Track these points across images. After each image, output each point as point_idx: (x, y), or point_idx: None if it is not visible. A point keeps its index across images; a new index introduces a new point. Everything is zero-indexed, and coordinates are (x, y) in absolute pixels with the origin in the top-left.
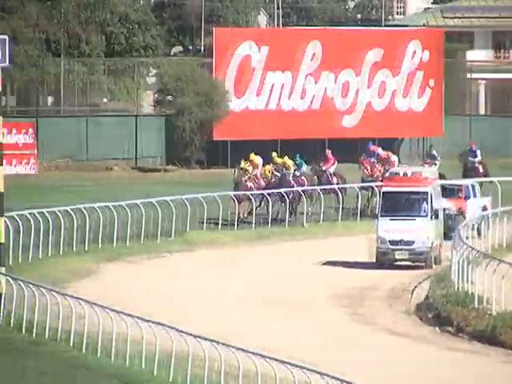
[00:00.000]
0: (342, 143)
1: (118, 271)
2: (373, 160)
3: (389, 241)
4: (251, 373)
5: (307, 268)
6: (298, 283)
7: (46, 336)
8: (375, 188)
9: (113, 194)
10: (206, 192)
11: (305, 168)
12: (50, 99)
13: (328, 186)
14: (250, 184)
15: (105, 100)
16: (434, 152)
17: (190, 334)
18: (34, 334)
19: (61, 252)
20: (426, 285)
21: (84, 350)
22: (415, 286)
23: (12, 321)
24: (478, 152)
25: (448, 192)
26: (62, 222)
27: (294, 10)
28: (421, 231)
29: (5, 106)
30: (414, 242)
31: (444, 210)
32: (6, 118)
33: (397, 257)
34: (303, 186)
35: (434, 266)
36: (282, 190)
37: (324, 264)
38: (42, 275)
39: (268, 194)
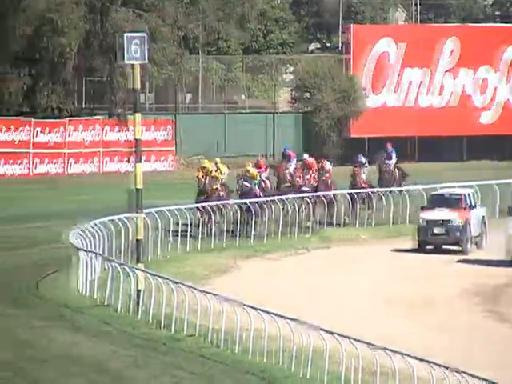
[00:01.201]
0: (480, 140)
1: (256, 268)
2: (291, 166)
3: None
4: (388, 370)
5: (441, 266)
6: (431, 281)
7: (184, 332)
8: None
9: None
10: (342, 189)
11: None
12: (188, 96)
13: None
14: (222, 193)
15: (242, 97)
16: (362, 158)
17: (327, 331)
18: (171, 330)
19: (199, 248)
20: None
21: (221, 347)
22: None
23: (150, 317)
24: (394, 154)
25: (448, 201)
26: (200, 218)
27: (431, 6)
28: None
29: (143, 103)
30: None
31: (448, 221)
32: (144, 115)
33: None
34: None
35: None
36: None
37: (458, 262)
38: (179, 272)
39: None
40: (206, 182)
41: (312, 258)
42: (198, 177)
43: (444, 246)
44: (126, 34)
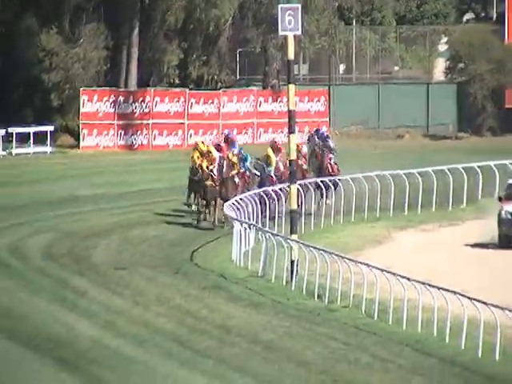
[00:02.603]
0: None
1: (410, 239)
2: (235, 151)
3: None
4: None
5: None
6: None
7: (338, 303)
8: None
9: (403, 162)
10: (498, 160)
11: (248, 163)
12: (341, 67)
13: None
14: (237, 180)
15: (396, 68)
16: (331, 142)
17: (481, 301)
18: (325, 301)
19: (352, 219)
20: None
21: (375, 317)
22: None
23: (304, 287)
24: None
25: None
26: (354, 189)
27: None
28: None
29: (297, 74)
30: None
31: None
32: (298, 86)
33: None
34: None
35: None
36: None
37: None
38: (333, 242)
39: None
40: (224, 168)
41: (467, 229)
42: (200, 165)
43: None
44: (280, 6)
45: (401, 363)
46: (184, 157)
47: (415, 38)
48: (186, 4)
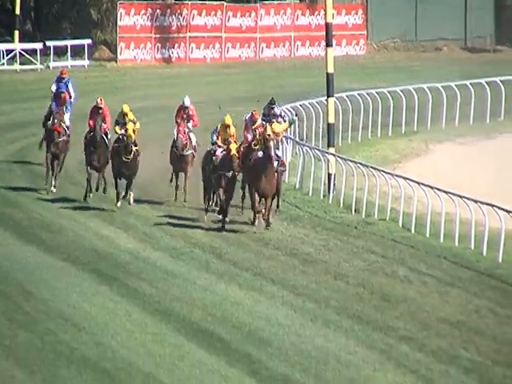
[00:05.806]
0: None
1: (447, 152)
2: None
3: None
4: None
5: None
6: None
7: (375, 216)
8: None
9: (441, 75)
10: None
11: None
12: None
13: None
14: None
15: None
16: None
17: None
18: (362, 214)
19: (389, 133)
20: None
21: (413, 231)
22: None
23: (341, 200)
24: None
25: None
26: (392, 102)
27: None
28: None
29: None
30: None
31: None
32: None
33: None
34: None
35: None
36: None
37: None
38: (370, 155)
39: None
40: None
41: (504, 142)
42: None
43: None
44: None
45: (438, 276)
46: (222, 70)
47: None
48: None
